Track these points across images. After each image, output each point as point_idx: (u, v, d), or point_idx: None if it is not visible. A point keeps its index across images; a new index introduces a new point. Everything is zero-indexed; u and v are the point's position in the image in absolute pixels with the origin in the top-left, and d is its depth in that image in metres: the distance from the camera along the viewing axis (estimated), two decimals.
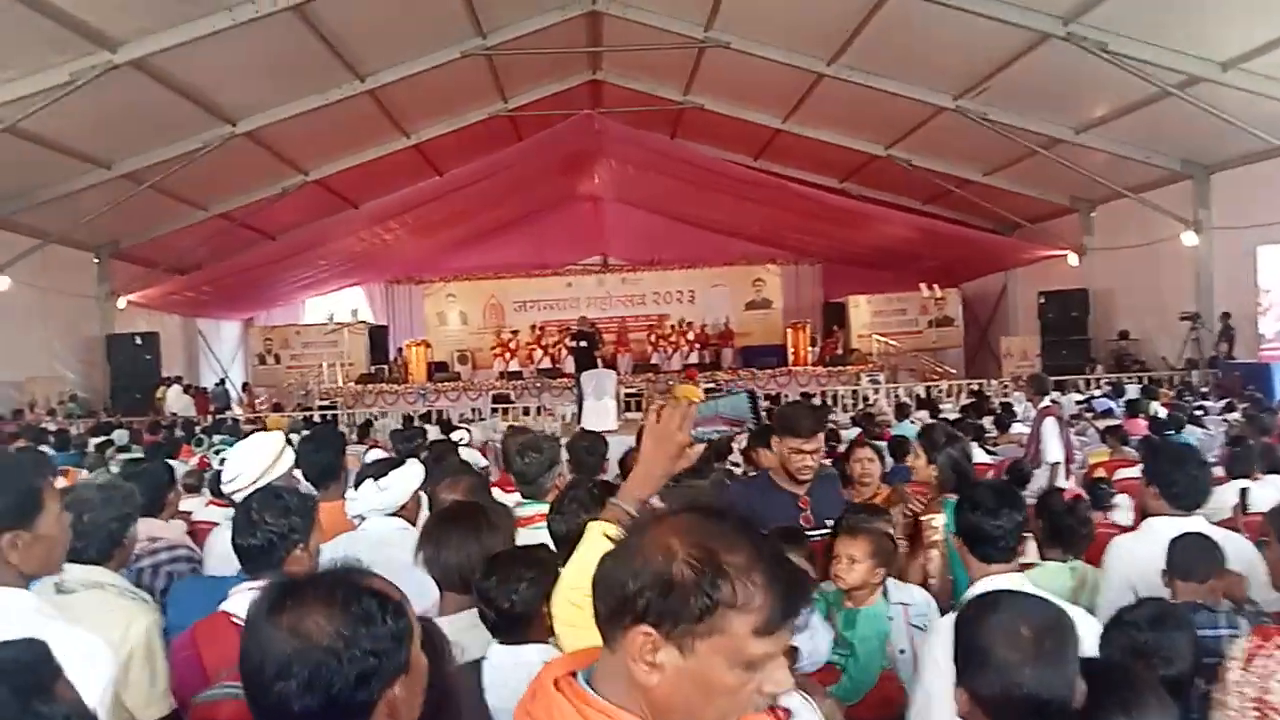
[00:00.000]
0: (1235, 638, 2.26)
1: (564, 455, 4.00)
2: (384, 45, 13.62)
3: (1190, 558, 2.69)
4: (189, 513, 5.79)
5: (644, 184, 18.56)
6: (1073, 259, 18.10)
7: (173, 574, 3.16)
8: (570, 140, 15.37)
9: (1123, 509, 5.37)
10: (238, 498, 3.02)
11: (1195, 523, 2.98)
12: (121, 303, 17.17)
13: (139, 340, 17.23)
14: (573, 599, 1.63)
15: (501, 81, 16.23)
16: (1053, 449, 6.94)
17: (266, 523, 2.31)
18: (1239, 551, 2.96)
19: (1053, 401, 7.68)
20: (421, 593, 2.41)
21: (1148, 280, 16.36)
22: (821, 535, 3.31)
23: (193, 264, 18.69)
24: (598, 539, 1.64)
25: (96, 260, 17.00)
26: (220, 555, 2.41)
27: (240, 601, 2.19)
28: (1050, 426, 7.06)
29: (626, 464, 4.46)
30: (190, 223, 17.35)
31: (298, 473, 3.39)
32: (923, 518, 3.40)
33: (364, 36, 13.05)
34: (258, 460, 3.11)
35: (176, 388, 17.00)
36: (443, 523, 2.43)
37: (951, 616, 2.21)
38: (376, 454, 7.19)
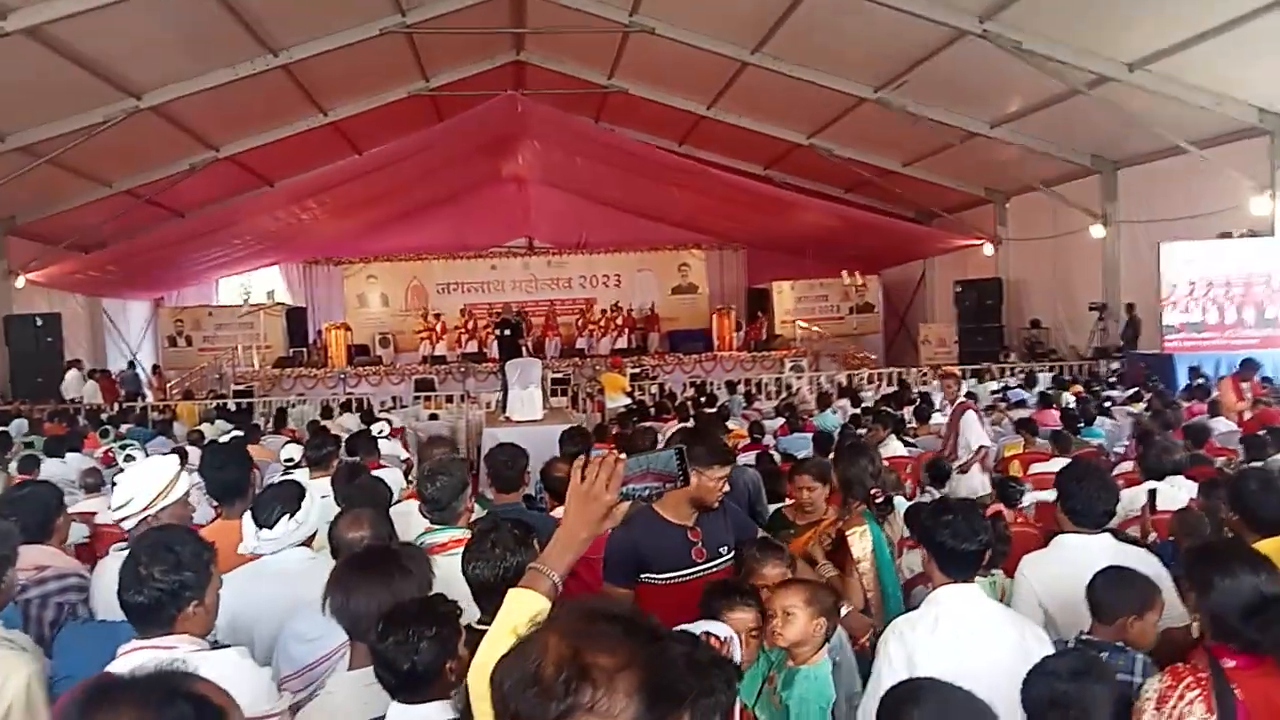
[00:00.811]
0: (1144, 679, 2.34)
1: (482, 468, 3.90)
2: (299, 20, 13.15)
3: (1108, 597, 2.72)
4: (93, 513, 5.58)
5: (569, 167, 18.40)
6: (988, 249, 18.65)
7: (63, 605, 2.98)
8: (493, 121, 15.11)
9: (1030, 505, 5.57)
10: (127, 525, 2.87)
11: (1102, 540, 3.08)
12: (20, 282, 16.31)
13: (39, 321, 16.43)
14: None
15: (423, 60, 15.87)
16: (975, 437, 7.09)
17: (155, 579, 2.10)
18: (1148, 568, 3.04)
19: (969, 395, 7.85)
20: (331, 632, 2.33)
21: (1058, 271, 16.96)
22: (717, 567, 3.16)
23: (96, 242, 17.84)
24: (516, 612, 1.57)
25: None
26: (111, 585, 2.20)
27: (126, 665, 2.00)
28: (970, 419, 7.22)
29: (549, 475, 4.35)
30: (93, 199, 16.53)
31: (196, 493, 3.24)
32: (847, 533, 3.44)
33: (278, 10, 12.58)
34: (149, 487, 2.92)
35: (74, 372, 16.23)
36: (352, 569, 2.29)
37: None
38: (293, 449, 7.02)
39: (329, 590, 2.25)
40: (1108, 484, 3.22)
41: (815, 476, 4.03)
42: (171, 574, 2.12)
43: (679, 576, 3.08)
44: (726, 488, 3.24)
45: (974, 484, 6.95)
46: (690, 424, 4.91)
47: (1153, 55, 11.31)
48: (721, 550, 3.20)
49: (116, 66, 12.63)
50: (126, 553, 2.27)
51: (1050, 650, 2.54)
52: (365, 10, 13.48)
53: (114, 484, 5.72)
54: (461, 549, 2.99)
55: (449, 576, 2.50)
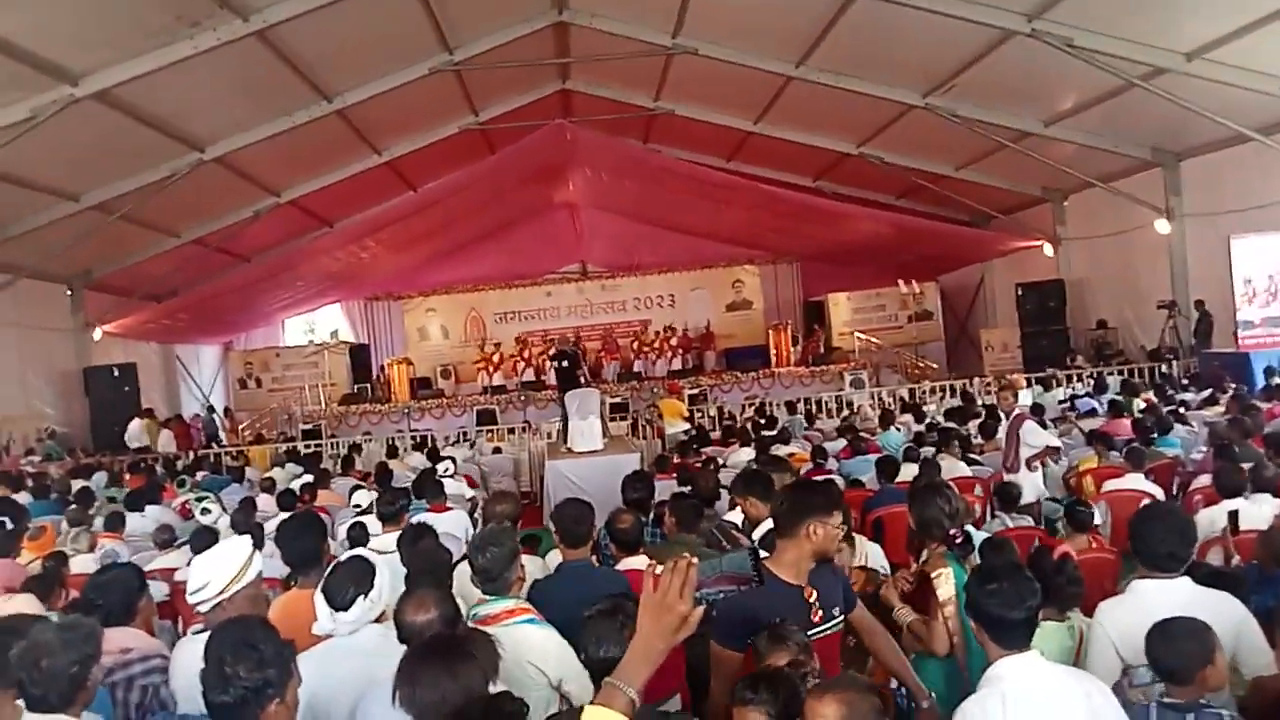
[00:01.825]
0: None
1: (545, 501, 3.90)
2: (350, 65, 13.52)
3: (1174, 661, 2.63)
4: (171, 569, 5.76)
5: (619, 190, 18.52)
6: (1048, 249, 18.23)
7: (147, 687, 3.06)
8: (542, 150, 15.29)
9: (1104, 523, 5.41)
10: (203, 609, 2.93)
11: (1180, 585, 2.97)
12: (97, 334, 16.93)
13: (116, 372, 16.96)
14: None
15: (471, 95, 16.15)
16: (1039, 439, 6.97)
17: (240, 678, 2.13)
18: (1227, 614, 2.93)
19: (1034, 406, 7.69)
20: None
21: (1123, 269, 16.50)
22: (833, 628, 3.06)
23: (167, 291, 18.52)
24: None
25: (69, 292, 16.77)
26: (189, 668, 2.23)
27: None
28: (1030, 426, 7.09)
29: (614, 526, 4.34)
30: (163, 250, 17.14)
31: (273, 561, 3.31)
32: (932, 575, 3.37)
33: (329, 58, 12.95)
34: (225, 572, 2.98)
35: (137, 421, 16.37)
36: (416, 659, 2.31)
37: None
38: (362, 495, 7.15)
39: (397, 682, 2.27)
40: (1179, 527, 3.08)
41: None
42: (256, 673, 2.14)
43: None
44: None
45: (1029, 487, 6.78)
46: (769, 468, 4.76)
47: (1211, 43, 10.96)
48: (835, 611, 3.07)
49: (180, 122, 13.13)
50: (205, 639, 2.33)
51: (1114, 704, 2.46)
52: (414, 51, 13.79)
53: (189, 543, 5.95)
54: (514, 619, 3.01)
55: (505, 648, 2.51)
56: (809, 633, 2.89)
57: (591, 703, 1.63)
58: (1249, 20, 10.24)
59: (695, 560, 1.67)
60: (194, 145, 13.84)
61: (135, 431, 16.11)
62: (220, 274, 18.82)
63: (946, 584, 3.33)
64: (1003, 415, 7.43)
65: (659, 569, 1.69)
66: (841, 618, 3.10)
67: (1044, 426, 7.95)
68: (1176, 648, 2.62)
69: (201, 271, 18.31)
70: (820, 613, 2.99)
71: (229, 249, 18.71)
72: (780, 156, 18.70)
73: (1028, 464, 6.97)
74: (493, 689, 2.25)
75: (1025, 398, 9.83)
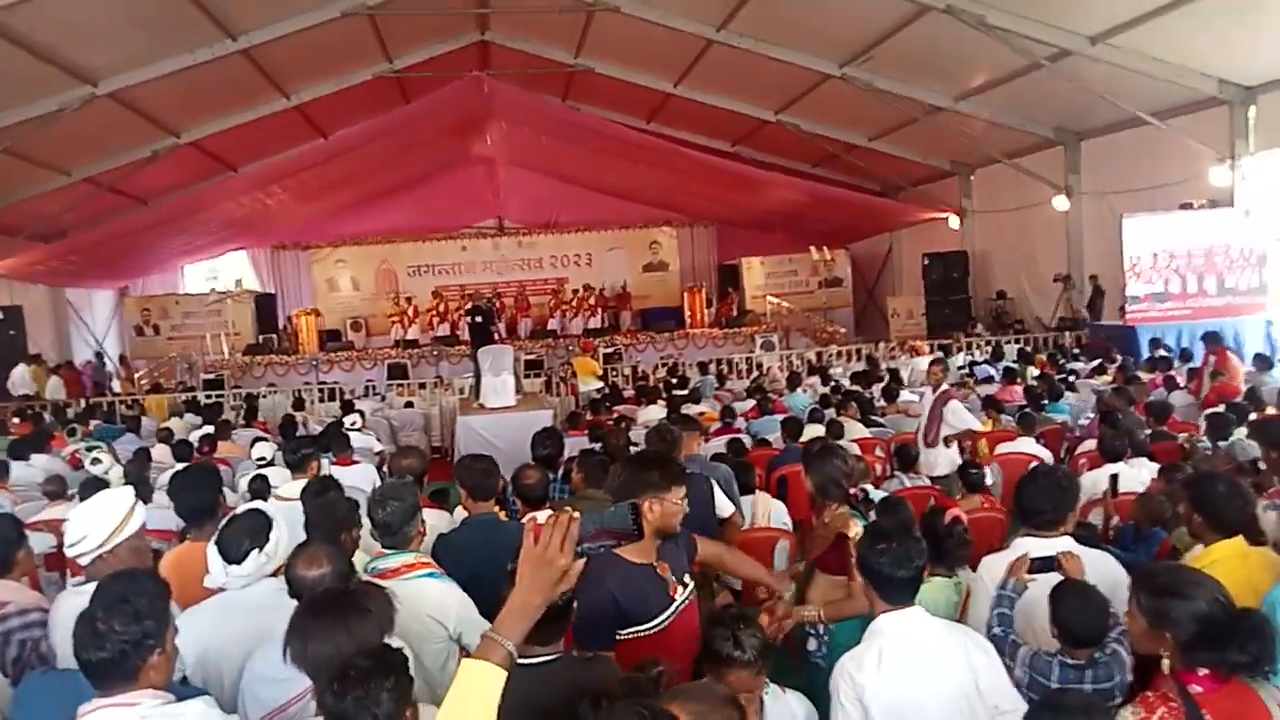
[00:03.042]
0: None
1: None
2: (257, 3, 12.93)
3: (1090, 629, 2.82)
4: (59, 521, 5.54)
5: (537, 147, 18.26)
6: (954, 221, 18.78)
7: (25, 641, 2.95)
8: (459, 103, 14.94)
9: (996, 484, 5.69)
10: (83, 562, 2.84)
11: (1061, 543, 3.16)
12: None
13: (1, 314, 16.12)
14: None
15: (386, 41, 15.65)
16: (965, 422, 7.10)
17: (116, 632, 2.05)
18: (1104, 571, 3.14)
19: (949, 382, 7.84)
20: (299, 673, 2.33)
21: (1023, 242, 17.14)
22: (688, 598, 2.96)
23: (56, 231, 17.52)
24: (471, 684, 1.57)
25: None
26: (69, 621, 2.17)
27: None
28: (956, 407, 7.18)
29: (521, 482, 4.33)
30: (52, 188, 16.20)
31: (166, 513, 3.22)
32: (844, 531, 3.43)
33: None
34: (103, 524, 2.86)
35: (22, 366, 15.62)
36: (309, 615, 2.27)
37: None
38: (264, 447, 7.00)
39: (288, 638, 2.23)
40: (1057, 488, 3.26)
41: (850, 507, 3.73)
42: (132, 624, 2.08)
43: (660, 623, 2.84)
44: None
45: (944, 462, 7.05)
46: (654, 438, 4.68)
47: (1114, 28, 11.36)
48: (685, 578, 3.00)
49: (71, 54, 12.37)
50: (87, 591, 2.26)
51: (994, 660, 2.61)
52: None
53: (78, 494, 5.73)
54: (413, 573, 3.00)
55: (402, 601, 2.49)
56: (670, 610, 2.85)
57: (469, 656, 1.63)
58: (1151, 7, 10.63)
59: (577, 514, 1.67)
60: (86, 79, 13.07)
61: (20, 377, 15.35)
62: (115, 216, 17.91)
63: (858, 527, 3.40)
64: (928, 388, 7.52)
65: (541, 517, 1.69)
66: (693, 585, 3.03)
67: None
68: (1092, 619, 2.82)
69: (94, 212, 17.38)
70: (678, 586, 2.92)
71: (124, 190, 17.78)
72: (700, 120, 18.74)
73: (945, 442, 7.06)
74: (388, 642, 2.24)
75: (923, 364, 10.14)
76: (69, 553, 2.90)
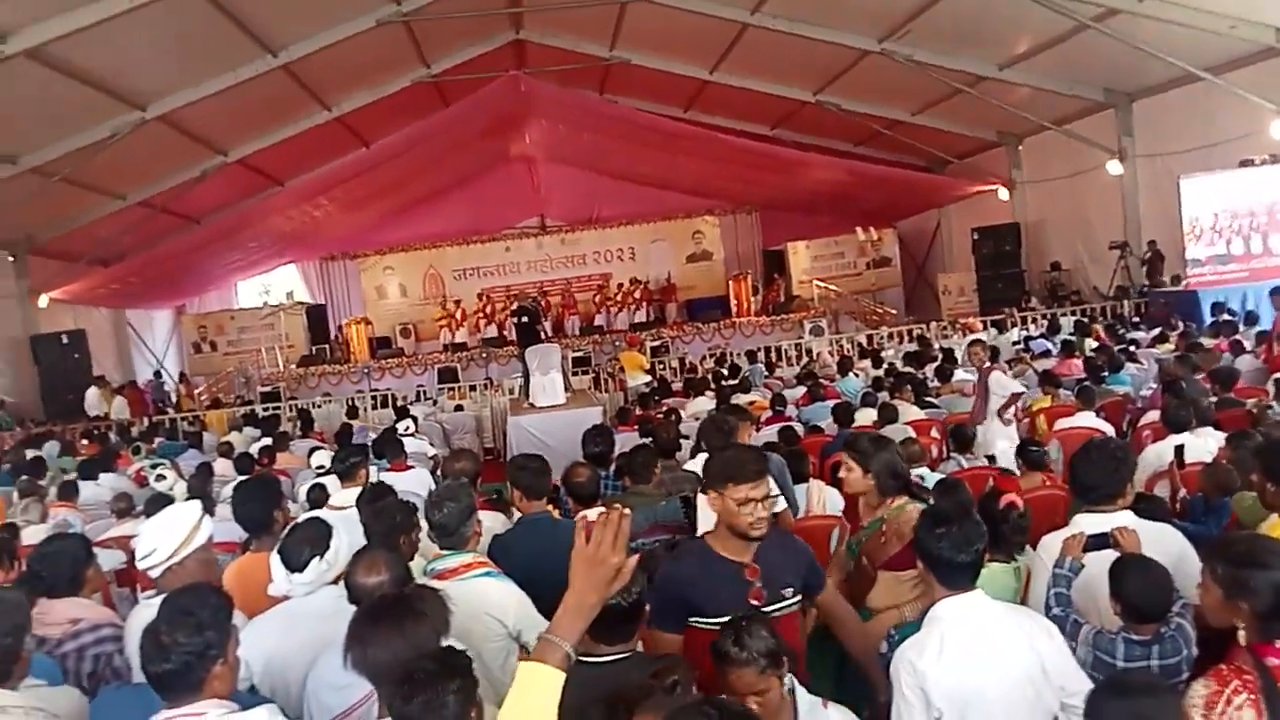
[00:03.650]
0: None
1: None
2: (294, 18, 13.13)
3: (1148, 600, 2.74)
4: (128, 538, 5.68)
5: (576, 142, 18.29)
6: (1003, 193, 18.38)
7: (99, 656, 3.03)
8: (497, 103, 15.03)
9: (1057, 461, 5.53)
10: (154, 574, 2.91)
11: (1121, 518, 3.05)
12: (43, 300, 16.53)
13: (65, 339, 16.63)
14: None
15: (422, 47, 15.78)
16: (1007, 387, 7.05)
17: (179, 644, 2.11)
18: (1166, 543, 3.03)
19: (992, 350, 7.76)
20: (362, 678, 2.35)
21: (1076, 211, 16.69)
22: (780, 611, 2.78)
23: (115, 254, 18.04)
24: (530, 687, 1.56)
25: (12, 258, 16.31)
26: (139, 636, 2.24)
27: None
28: (998, 377, 7.16)
29: (571, 480, 4.32)
30: (109, 212, 16.69)
31: (228, 525, 3.29)
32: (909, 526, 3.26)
33: (273, 10, 12.57)
34: (173, 535, 2.95)
35: (94, 389, 16.13)
36: (365, 622, 2.30)
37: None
38: (322, 455, 7.10)
39: (347, 644, 2.27)
40: (1113, 461, 3.14)
41: (854, 458, 3.48)
42: (195, 636, 2.13)
43: None
44: (770, 509, 2.76)
45: (1002, 443, 6.93)
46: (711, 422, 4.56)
47: None
48: (786, 592, 2.81)
49: (119, 80, 12.71)
50: (158, 604, 2.31)
51: (1058, 641, 2.54)
52: (360, 3, 13.43)
53: (144, 511, 5.88)
54: (471, 573, 3.01)
55: (461, 601, 2.51)
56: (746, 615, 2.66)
57: (526, 658, 1.62)
58: None
59: (628, 512, 1.65)
60: (135, 104, 13.41)
61: (93, 399, 15.87)
62: (169, 236, 18.39)
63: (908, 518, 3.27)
64: (973, 368, 7.46)
65: (592, 515, 1.67)
66: (796, 599, 2.86)
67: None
68: (1155, 594, 2.73)
69: (149, 234, 17.85)
70: (763, 595, 2.75)
71: (177, 210, 18.25)
72: (737, 106, 18.55)
73: (998, 415, 7.00)
74: (445, 644, 2.25)
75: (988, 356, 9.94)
76: (140, 565, 2.97)
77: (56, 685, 2.71)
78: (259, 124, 16.32)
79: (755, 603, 2.73)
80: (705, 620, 2.72)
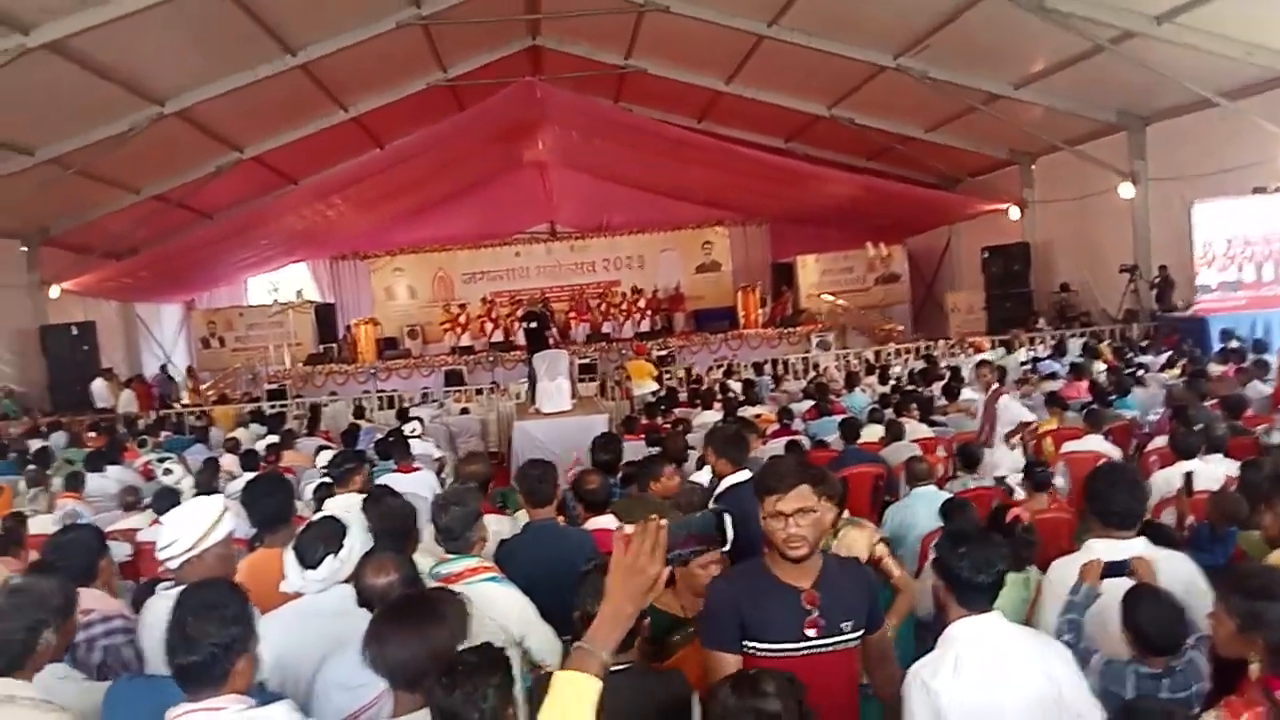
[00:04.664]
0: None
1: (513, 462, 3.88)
2: (314, 18, 13.20)
3: (1167, 639, 2.75)
4: (134, 530, 5.72)
5: (589, 150, 18.34)
6: (1014, 213, 18.36)
7: (109, 648, 3.05)
8: (512, 108, 15.08)
9: (1063, 484, 5.53)
10: (173, 565, 2.93)
11: (1135, 544, 3.05)
12: (54, 291, 16.57)
13: (75, 330, 16.67)
14: None
15: (439, 51, 15.86)
16: (1017, 414, 7.07)
17: (208, 635, 2.11)
18: (1178, 571, 3.03)
19: (999, 371, 7.77)
20: (373, 679, 2.36)
21: (1087, 232, 16.67)
22: (835, 647, 2.56)
23: (127, 248, 18.14)
24: (567, 696, 1.56)
25: (24, 248, 16.38)
26: (157, 625, 2.25)
27: None
28: (1006, 402, 7.16)
29: (581, 487, 4.33)
30: (122, 206, 16.77)
31: (240, 521, 3.30)
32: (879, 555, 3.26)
33: (293, 10, 12.64)
34: (194, 529, 2.96)
35: (101, 381, 16.16)
36: (387, 620, 2.32)
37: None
38: (328, 455, 7.11)
39: (366, 642, 2.29)
40: (1132, 486, 3.16)
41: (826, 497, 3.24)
42: (223, 629, 2.14)
43: (783, 651, 2.51)
44: (804, 530, 2.50)
45: (1006, 462, 6.94)
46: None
47: (1180, 6, 10.95)
48: (845, 625, 2.57)
49: (138, 75, 12.78)
50: (174, 594, 2.33)
51: (1073, 668, 2.52)
52: (380, 5, 13.51)
53: (152, 504, 5.90)
54: (476, 578, 3.02)
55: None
56: (798, 646, 2.51)
57: (563, 667, 1.62)
58: None
59: (665, 522, 1.65)
60: (153, 99, 13.49)
61: (100, 391, 15.90)
62: (182, 231, 18.47)
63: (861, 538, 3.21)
64: (980, 389, 7.48)
65: (628, 529, 1.68)
66: (854, 635, 2.60)
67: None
68: (1170, 627, 2.74)
69: (162, 228, 17.94)
70: (821, 623, 2.53)
71: (190, 205, 18.33)
72: (751, 117, 18.60)
73: (1005, 439, 7.03)
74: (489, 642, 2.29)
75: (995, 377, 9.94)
76: (160, 555, 2.98)
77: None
78: (275, 122, 16.40)
79: (811, 633, 2.53)
80: (761, 646, 2.53)
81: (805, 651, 2.51)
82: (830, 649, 2.53)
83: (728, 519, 1.69)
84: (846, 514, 3.73)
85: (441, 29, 14.73)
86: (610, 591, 1.65)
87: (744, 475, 3.72)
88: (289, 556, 2.94)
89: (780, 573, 2.56)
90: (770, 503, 2.51)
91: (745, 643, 2.53)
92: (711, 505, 3.67)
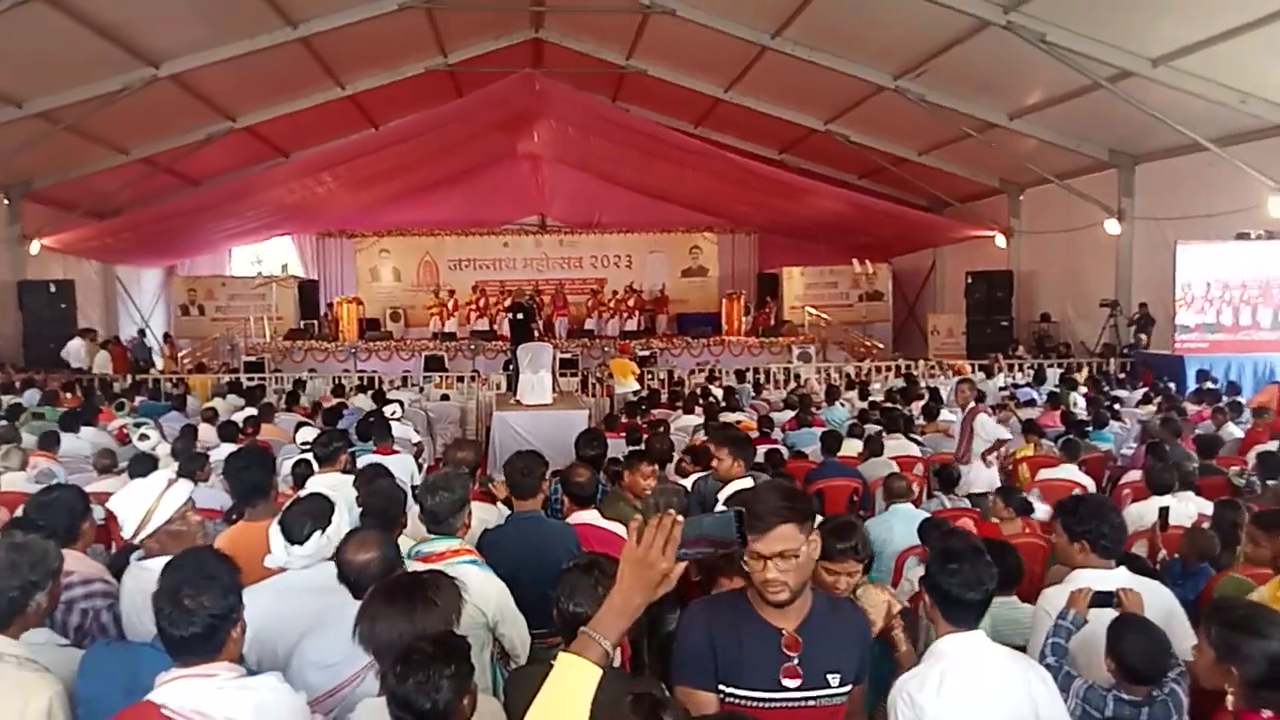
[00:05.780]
0: None
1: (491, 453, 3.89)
2: None
3: (1154, 669, 2.79)
4: (107, 494, 5.64)
5: (584, 146, 18.31)
6: (1000, 240, 18.56)
7: (88, 611, 3.01)
8: (509, 99, 15.05)
9: (1040, 510, 5.60)
10: (136, 542, 2.92)
11: (1118, 575, 3.10)
12: (34, 247, 16.32)
13: (54, 288, 16.45)
14: None
15: (441, 35, 15.79)
16: (993, 431, 7.21)
17: (205, 607, 2.09)
18: (1158, 601, 3.08)
19: (977, 400, 7.88)
20: (349, 657, 2.41)
21: (1071, 265, 16.90)
22: (817, 701, 2.24)
23: (112, 208, 17.92)
24: (567, 680, 1.56)
25: (7, 201, 16.13)
26: (134, 598, 2.22)
27: (172, 694, 2.04)
28: (984, 420, 7.29)
29: (569, 480, 4.32)
30: (110, 165, 16.55)
31: (214, 492, 3.28)
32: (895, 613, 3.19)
33: None
34: (134, 513, 2.96)
35: (78, 340, 15.96)
36: (380, 598, 2.32)
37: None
38: (308, 432, 7.07)
39: (359, 618, 2.29)
40: (1117, 514, 3.22)
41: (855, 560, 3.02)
42: (220, 599, 2.13)
43: (757, 701, 2.22)
44: (782, 575, 2.15)
45: (982, 481, 7.05)
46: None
47: (1178, 51, 11.15)
48: (831, 678, 2.25)
49: (136, 35, 12.64)
50: (153, 565, 2.31)
51: (1053, 691, 2.55)
52: None
53: (128, 469, 5.84)
54: (456, 559, 3.01)
55: None
56: (774, 696, 2.22)
57: (566, 650, 1.62)
58: (1216, 31, 10.42)
59: (680, 518, 1.63)
60: (149, 60, 13.34)
61: (76, 350, 15.70)
62: (168, 196, 18.29)
63: (880, 599, 3.13)
64: (958, 407, 7.62)
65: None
66: (840, 690, 2.27)
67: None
68: (1157, 656, 2.78)
69: (148, 191, 17.75)
70: (800, 674, 2.22)
71: (178, 171, 18.15)
72: (748, 127, 18.69)
73: (982, 457, 7.17)
74: (452, 630, 2.28)
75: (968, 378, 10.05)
76: (125, 535, 3.00)
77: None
78: (270, 94, 16.27)
79: (791, 683, 2.22)
80: (733, 691, 2.24)
81: (782, 704, 2.23)
82: (812, 704, 2.24)
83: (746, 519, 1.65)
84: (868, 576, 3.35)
85: (445, 13, 14.67)
86: (621, 581, 1.63)
87: (749, 482, 3.73)
88: (274, 531, 2.92)
89: (760, 610, 2.25)
90: (750, 541, 2.10)
91: (720, 685, 2.25)
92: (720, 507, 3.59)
